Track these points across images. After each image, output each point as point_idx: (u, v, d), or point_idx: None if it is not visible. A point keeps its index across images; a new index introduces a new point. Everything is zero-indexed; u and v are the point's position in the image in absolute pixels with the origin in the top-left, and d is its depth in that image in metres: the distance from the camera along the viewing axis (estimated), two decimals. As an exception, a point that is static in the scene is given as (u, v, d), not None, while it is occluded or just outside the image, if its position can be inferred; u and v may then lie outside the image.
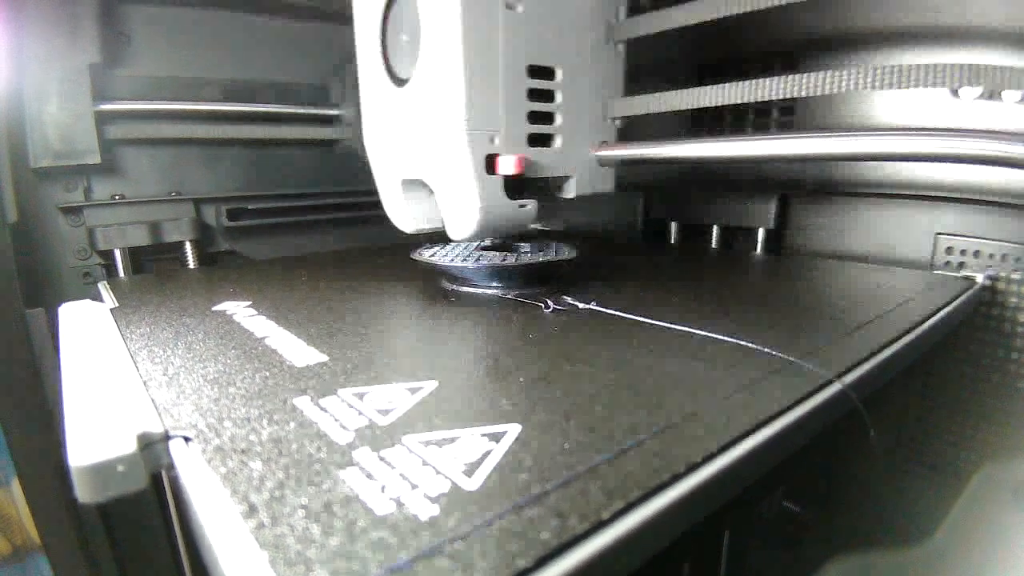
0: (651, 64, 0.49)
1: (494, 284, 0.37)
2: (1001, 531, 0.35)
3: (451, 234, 0.37)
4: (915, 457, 0.45)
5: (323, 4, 0.61)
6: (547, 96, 0.37)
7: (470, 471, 0.16)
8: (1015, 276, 0.40)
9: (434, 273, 0.42)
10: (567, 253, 0.39)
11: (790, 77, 0.32)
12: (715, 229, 0.57)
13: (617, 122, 0.42)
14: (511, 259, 0.37)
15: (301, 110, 0.63)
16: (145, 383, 0.21)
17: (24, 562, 0.44)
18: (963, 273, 0.41)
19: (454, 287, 0.38)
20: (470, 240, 0.38)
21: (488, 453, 0.17)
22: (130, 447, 0.16)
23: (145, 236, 0.53)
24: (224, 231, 0.59)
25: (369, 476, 0.16)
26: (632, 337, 0.27)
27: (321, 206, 0.65)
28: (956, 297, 0.35)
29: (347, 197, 0.66)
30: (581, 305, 0.33)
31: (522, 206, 0.37)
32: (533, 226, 0.39)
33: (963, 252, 0.43)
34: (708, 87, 0.36)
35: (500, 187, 0.35)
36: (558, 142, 0.38)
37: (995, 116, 0.40)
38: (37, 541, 0.44)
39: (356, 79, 0.64)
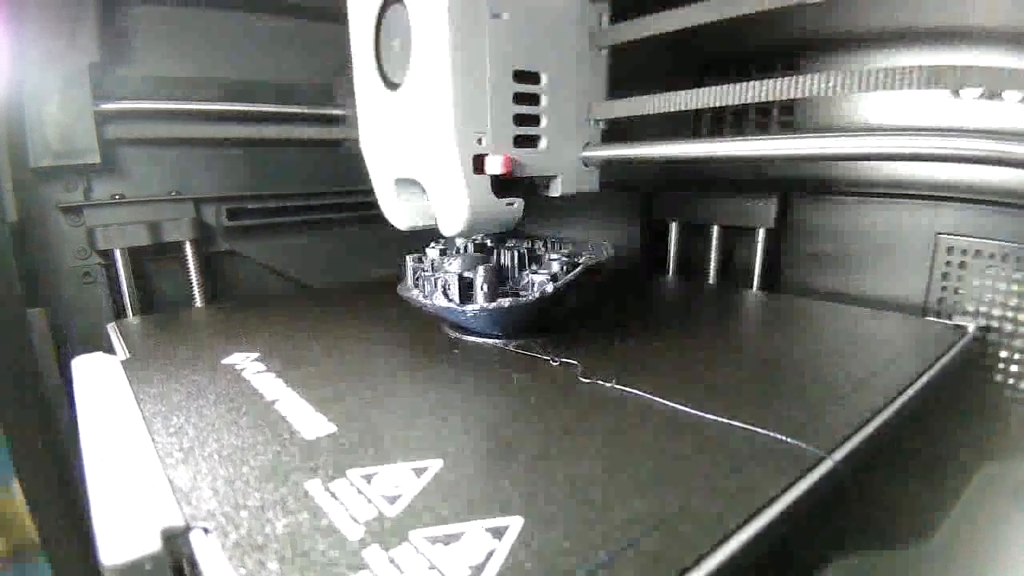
0: (650, 66, 0.49)
1: (495, 333, 0.38)
2: (1001, 531, 0.36)
3: (443, 230, 0.38)
4: (915, 457, 0.45)
5: (324, 3, 0.60)
6: (533, 99, 0.39)
7: (475, 576, 0.18)
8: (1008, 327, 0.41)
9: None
10: (604, 253, 0.40)
11: (771, 81, 0.32)
12: (715, 229, 0.57)
13: (601, 124, 0.43)
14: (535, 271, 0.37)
15: (302, 110, 0.62)
16: (162, 459, 0.22)
17: (24, 562, 0.45)
18: (955, 322, 0.42)
19: (456, 335, 0.39)
20: (461, 236, 0.40)
21: (491, 554, 0.18)
22: (155, 544, 0.17)
23: (145, 236, 0.53)
24: (224, 231, 0.59)
25: (380, 583, 0.17)
26: (631, 409, 0.28)
27: (321, 206, 0.65)
28: (947, 351, 0.35)
29: (347, 197, 0.66)
30: (602, 383, 0.31)
31: (509, 204, 0.38)
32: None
33: (964, 252, 0.43)
34: (686, 91, 0.36)
35: (487, 186, 0.37)
36: (543, 143, 0.40)
37: (995, 116, 0.41)
38: (37, 541, 0.45)
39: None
